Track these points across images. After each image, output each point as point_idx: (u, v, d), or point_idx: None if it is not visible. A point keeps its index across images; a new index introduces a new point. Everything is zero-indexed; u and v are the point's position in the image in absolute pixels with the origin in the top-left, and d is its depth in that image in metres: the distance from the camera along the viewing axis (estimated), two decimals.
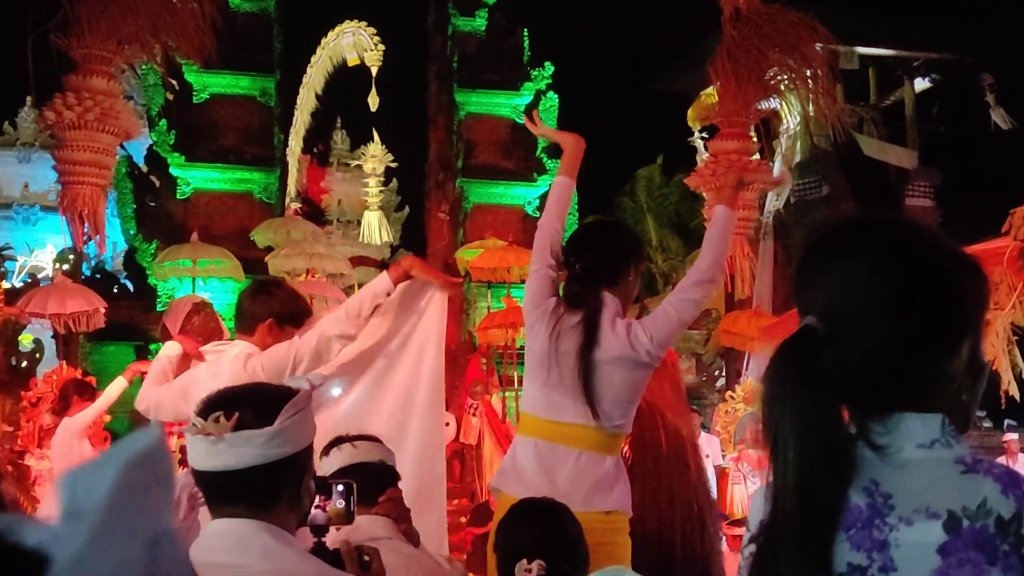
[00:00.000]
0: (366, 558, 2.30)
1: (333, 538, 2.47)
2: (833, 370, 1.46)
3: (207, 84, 20.48)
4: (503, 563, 2.97)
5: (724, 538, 6.06)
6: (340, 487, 2.42)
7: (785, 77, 13.10)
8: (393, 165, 19.55)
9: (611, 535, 3.70)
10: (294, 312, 4.37)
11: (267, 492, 2.10)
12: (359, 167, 21.00)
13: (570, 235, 4.02)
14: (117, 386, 8.68)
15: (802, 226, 17.37)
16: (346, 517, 2.42)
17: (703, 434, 11.90)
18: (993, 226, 6.98)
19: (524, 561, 2.85)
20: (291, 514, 2.15)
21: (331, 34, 19.21)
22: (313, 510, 2.34)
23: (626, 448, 4.45)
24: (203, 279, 17.39)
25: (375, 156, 19.37)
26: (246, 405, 2.09)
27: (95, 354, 16.84)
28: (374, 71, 17.49)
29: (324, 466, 3.10)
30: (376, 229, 18.73)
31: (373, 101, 17.35)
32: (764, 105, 14.11)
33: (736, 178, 4.13)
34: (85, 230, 12.64)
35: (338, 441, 3.27)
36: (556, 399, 3.77)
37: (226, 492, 2.08)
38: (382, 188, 20.12)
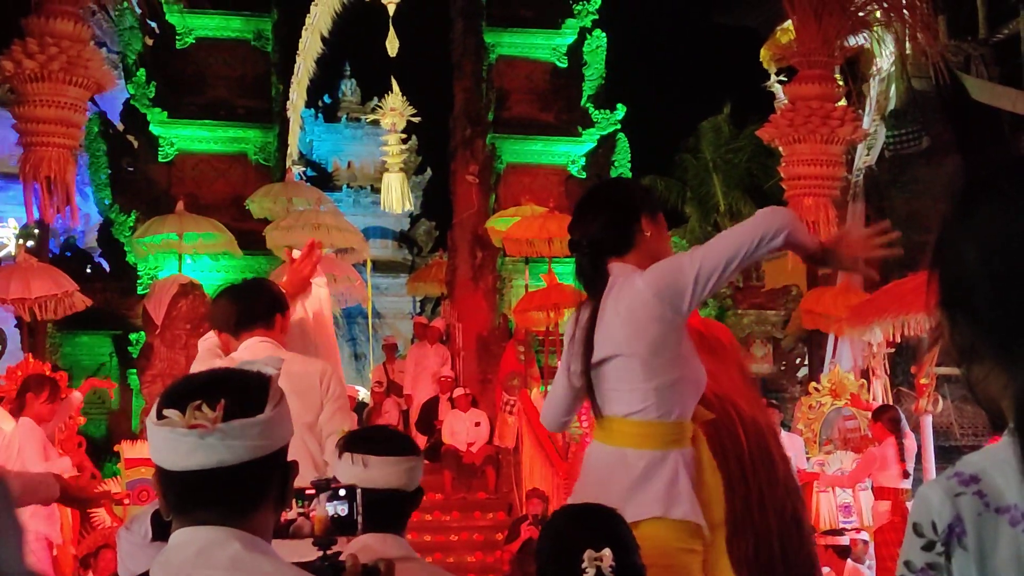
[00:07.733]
0: (380, 567, 2.30)
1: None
2: None
3: (192, 26, 20.52)
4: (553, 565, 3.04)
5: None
6: (342, 491, 2.41)
7: (876, 7, 12.98)
8: (415, 120, 19.49)
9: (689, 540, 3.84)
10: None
11: (255, 491, 2.13)
12: (373, 123, 20.94)
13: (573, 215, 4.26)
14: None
15: (898, 185, 17.24)
16: (346, 527, 2.41)
17: (783, 433, 11.86)
18: None
19: (591, 551, 2.92)
20: (274, 516, 2.18)
21: None
22: (299, 519, 2.34)
23: None
24: (191, 256, 17.47)
25: (394, 109, 19.29)
26: (228, 392, 2.11)
27: (66, 345, 16.97)
28: (391, 9, 17.42)
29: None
30: (398, 195, 18.69)
31: (392, 45, 17.27)
32: (851, 42, 13.99)
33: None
34: (52, 200, 12.76)
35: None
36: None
37: (207, 494, 2.11)
38: (403, 148, 20.07)
